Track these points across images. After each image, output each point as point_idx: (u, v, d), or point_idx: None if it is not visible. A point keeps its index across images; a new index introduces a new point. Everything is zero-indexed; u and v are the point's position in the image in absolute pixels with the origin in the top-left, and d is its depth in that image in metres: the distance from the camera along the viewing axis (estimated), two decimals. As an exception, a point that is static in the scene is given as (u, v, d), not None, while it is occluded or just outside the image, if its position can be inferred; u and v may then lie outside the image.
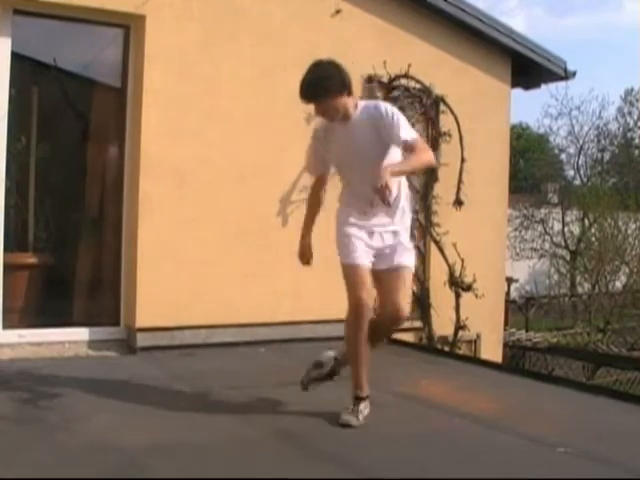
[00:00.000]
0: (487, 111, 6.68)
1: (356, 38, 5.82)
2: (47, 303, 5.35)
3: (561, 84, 14.23)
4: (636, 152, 23.42)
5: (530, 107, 35.54)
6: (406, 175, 3.63)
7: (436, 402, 4.09)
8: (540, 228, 18.95)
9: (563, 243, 18.38)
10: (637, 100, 23.60)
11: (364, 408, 3.52)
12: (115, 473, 2.82)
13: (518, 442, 3.41)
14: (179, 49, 5.25)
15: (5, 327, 4.92)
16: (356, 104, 3.53)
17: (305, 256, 3.78)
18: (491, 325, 6.85)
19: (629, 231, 16.69)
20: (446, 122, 6.26)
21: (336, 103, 3.44)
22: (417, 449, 3.28)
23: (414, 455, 3.19)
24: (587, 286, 16.40)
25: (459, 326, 6.15)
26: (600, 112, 21.14)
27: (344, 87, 3.45)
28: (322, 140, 3.63)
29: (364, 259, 3.49)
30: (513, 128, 15.18)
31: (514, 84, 7.05)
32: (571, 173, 22.56)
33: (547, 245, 18.72)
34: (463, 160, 6.19)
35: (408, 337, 6.16)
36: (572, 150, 21.76)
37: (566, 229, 18.47)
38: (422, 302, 6.22)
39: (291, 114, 5.47)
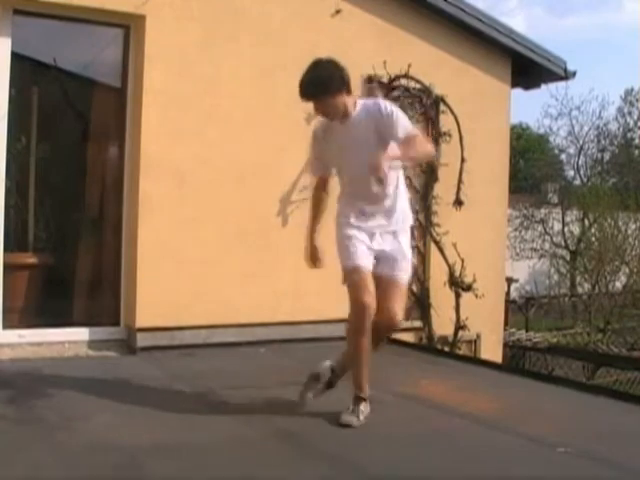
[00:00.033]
0: (487, 111, 6.68)
1: (356, 38, 5.82)
2: (47, 303, 5.35)
3: (561, 84, 14.24)
4: (636, 152, 23.42)
5: (530, 107, 35.53)
6: (404, 162, 3.58)
7: (436, 402, 4.09)
8: (540, 228, 18.95)
9: (563, 243, 18.38)
10: (637, 100, 23.60)
11: (364, 408, 3.52)
12: (115, 473, 2.82)
13: (518, 442, 3.41)
14: (179, 49, 5.25)
15: (5, 327, 4.92)
16: (355, 102, 3.53)
17: (314, 258, 3.74)
18: (491, 325, 6.85)
19: (629, 231, 16.69)
20: (446, 122, 6.26)
21: (335, 101, 3.44)
22: (417, 449, 3.28)
23: (414, 455, 3.19)
24: (587, 286, 16.40)
25: (459, 326, 6.15)
26: (600, 112, 21.17)
27: (343, 85, 3.45)
28: (321, 140, 3.63)
29: (366, 261, 3.48)
30: (513, 128, 15.19)
31: (514, 84, 7.04)
32: (571, 173, 22.59)
33: (547, 245, 18.71)
34: (463, 160, 6.19)
35: (408, 337, 6.16)
36: (572, 150, 21.79)
37: (566, 229, 18.47)
38: (422, 302, 6.22)
39: (291, 114, 5.47)
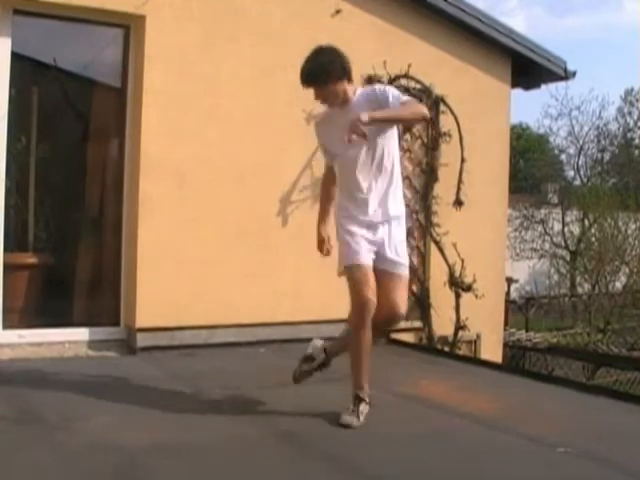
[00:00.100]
0: (487, 111, 6.68)
1: (356, 38, 5.81)
2: (47, 303, 5.35)
3: (561, 84, 14.23)
4: (636, 152, 23.44)
5: (530, 107, 35.57)
6: (394, 121, 3.56)
7: (436, 402, 4.09)
8: (540, 228, 18.96)
9: (563, 243, 18.39)
10: (637, 100, 23.63)
11: (364, 408, 3.51)
12: (115, 473, 2.82)
13: (518, 442, 3.41)
14: (179, 49, 5.25)
15: (5, 327, 4.92)
16: (355, 90, 3.58)
17: (322, 247, 3.80)
18: (491, 325, 6.85)
19: (629, 231, 16.70)
20: (446, 122, 6.26)
21: (336, 88, 3.49)
22: (417, 449, 3.28)
23: (414, 455, 3.19)
24: (587, 286, 16.40)
25: (459, 326, 6.15)
26: (600, 112, 21.21)
27: (344, 73, 3.50)
28: (322, 130, 3.68)
29: (367, 258, 3.50)
30: (513, 128, 15.19)
31: (514, 84, 7.04)
32: (571, 173, 22.62)
33: (547, 245, 18.73)
34: (463, 160, 6.19)
35: (408, 337, 6.16)
36: (572, 150, 21.82)
37: (566, 229, 18.48)
38: (422, 302, 6.22)
39: (291, 114, 5.48)
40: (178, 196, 5.23)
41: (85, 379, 4.31)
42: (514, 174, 11.74)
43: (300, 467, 3.00)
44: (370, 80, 5.90)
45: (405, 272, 3.61)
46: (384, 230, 3.56)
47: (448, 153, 6.24)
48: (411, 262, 6.10)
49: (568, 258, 18.04)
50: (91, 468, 2.85)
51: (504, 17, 50.80)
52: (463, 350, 6.38)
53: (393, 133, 3.60)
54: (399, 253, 3.58)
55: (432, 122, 6.32)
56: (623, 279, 16.19)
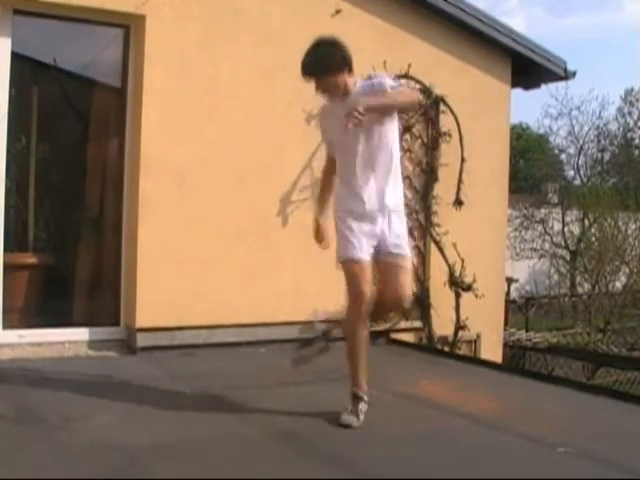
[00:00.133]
0: (487, 111, 6.68)
1: (356, 38, 5.77)
2: (47, 303, 5.35)
3: (561, 84, 14.24)
4: (636, 152, 23.42)
5: (530, 107, 35.54)
6: (388, 110, 3.54)
7: (436, 402, 4.09)
8: (540, 228, 18.95)
9: (563, 243, 18.38)
10: (637, 100, 23.61)
11: (363, 407, 3.51)
12: (115, 473, 2.82)
13: (518, 442, 3.41)
14: (179, 49, 5.25)
15: (5, 327, 4.92)
16: (355, 82, 3.58)
17: (318, 236, 3.81)
18: (491, 325, 6.85)
19: (629, 231, 16.69)
20: (446, 122, 6.26)
21: (337, 80, 3.49)
22: (417, 449, 3.28)
23: (414, 455, 3.19)
24: (587, 286, 16.39)
25: (459, 326, 6.15)
26: (600, 112, 21.18)
27: (345, 64, 3.51)
28: (324, 121, 3.70)
29: (364, 253, 3.50)
30: (513, 128, 15.19)
31: (514, 84, 7.04)
32: (571, 173, 22.61)
33: (547, 245, 18.72)
34: (463, 160, 6.19)
35: (408, 337, 6.17)
36: (572, 150, 21.81)
37: (566, 229, 18.47)
38: (422, 302, 6.22)
39: (291, 114, 5.48)
40: (178, 196, 5.23)
41: (85, 379, 4.31)
42: (514, 174, 11.74)
43: (300, 467, 2.99)
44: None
45: (407, 260, 3.60)
46: (383, 222, 3.55)
47: (448, 153, 6.23)
48: (411, 262, 6.14)
49: (568, 258, 18.03)
50: (91, 468, 2.85)
51: (504, 17, 50.73)
52: (463, 350, 6.38)
53: (393, 125, 3.59)
54: (400, 243, 3.58)
55: (432, 121, 6.34)
56: (623, 279, 16.18)
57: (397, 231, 3.59)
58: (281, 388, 4.08)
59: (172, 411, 3.69)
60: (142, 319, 5.10)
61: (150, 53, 5.14)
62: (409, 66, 5.95)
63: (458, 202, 6.15)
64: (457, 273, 6.08)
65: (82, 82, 5.90)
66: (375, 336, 5.87)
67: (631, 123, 23.25)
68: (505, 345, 8.02)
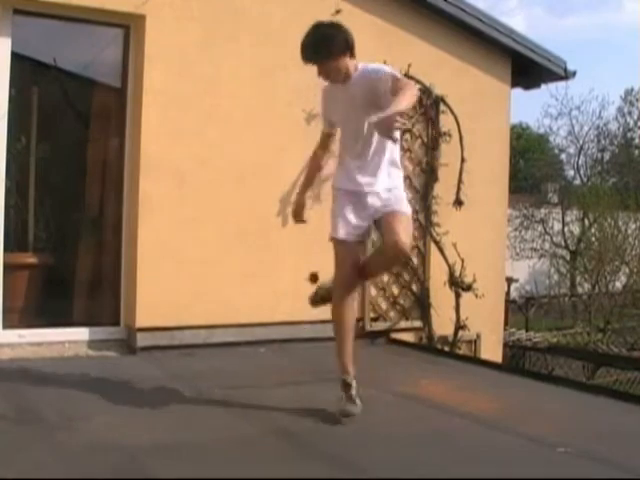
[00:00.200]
0: (487, 111, 6.68)
1: (356, 38, 5.77)
2: (47, 303, 5.36)
3: (561, 84, 14.25)
4: (636, 152, 23.43)
5: (530, 107, 35.56)
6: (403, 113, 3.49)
7: (436, 402, 4.09)
8: (540, 228, 18.96)
9: (563, 243, 18.38)
10: (637, 100, 23.61)
11: (355, 391, 3.52)
12: (115, 473, 2.82)
13: (518, 442, 3.41)
14: (179, 49, 5.25)
15: (5, 327, 4.92)
16: (356, 66, 3.55)
17: (297, 214, 3.84)
18: (491, 325, 6.85)
19: (629, 231, 16.69)
20: (446, 122, 6.26)
21: (338, 64, 3.46)
22: (417, 449, 3.28)
23: (414, 455, 3.19)
24: (587, 286, 16.40)
25: (459, 326, 6.15)
26: (600, 112, 21.19)
27: (347, 48, 3.49)
28: (328, 100, 3.68)
29: (353, 235, 3.53)
30: (513, 128, 15.19)
31: (514, 84, 7.04)
32: (571, 173, 22.61)
33: (547, 245, 18.72)
34: (463, 160, 6.19)
35: (408, 337, 6.17)
36: (572, 150, 21.81)
37: (566, 229, 18.47)
38: (422, 302, 6.22)
39: (291, 114, 5.48)
40: (178, 196, 5.23)
41: (85, 379, 4.30)
42: (514, 174, 11.74)
43: (300, 467, 2.99)
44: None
45: (403, 211, 3.54)
46: (376, 198, 3.52)
47: (448, 153, 6.23)
48: (411, 262, 6.14)
49: (568, 258, 18.03)
50: (91, 468, 2.85)
51: (504, 17, 50.60)
52: (463, 350, 6.38)
53: None
54: (390, 203, 3.53)
55: (432, 121, 6.34)
56: (623, 279, 16.18)
57: (391, 199, 3.54)
58: (281, 388, 4.08)
59: (172, 411, 3.69)
60: (142, 319, 5.11)
61: (150, 53, 5.14)
62: (409, 66, 5.95)
63: (458, 202, 6.16)
64: (457, 273, 6.09)
65: (82, 82, 5.90)
66: (375, 336, 5.90)
67: (631, 123, 23.28)
68: (505, 345, 8.02)
